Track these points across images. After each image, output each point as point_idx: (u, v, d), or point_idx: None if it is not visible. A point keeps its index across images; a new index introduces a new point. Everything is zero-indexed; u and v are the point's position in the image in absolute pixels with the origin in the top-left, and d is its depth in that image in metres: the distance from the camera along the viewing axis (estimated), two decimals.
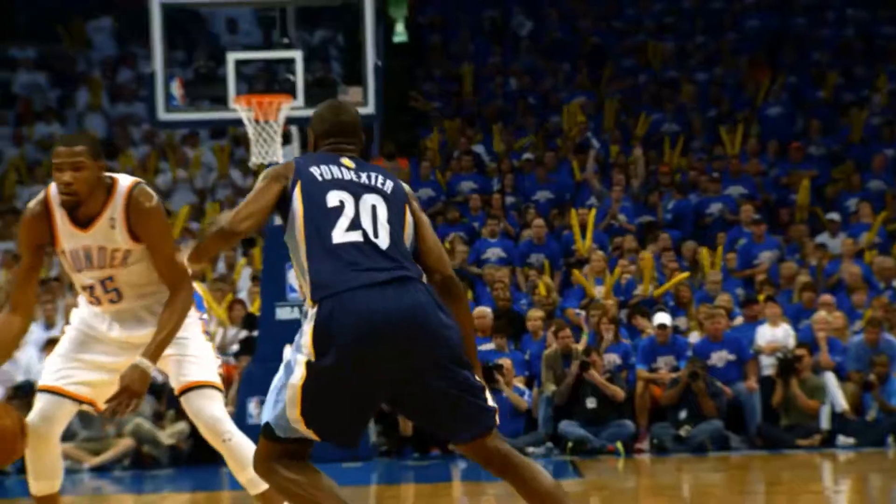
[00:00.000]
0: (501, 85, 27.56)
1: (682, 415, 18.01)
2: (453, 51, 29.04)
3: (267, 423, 6.51)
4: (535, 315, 19.14)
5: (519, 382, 18.26)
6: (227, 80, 17.42)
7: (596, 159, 24.00)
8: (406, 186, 6.76)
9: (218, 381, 7.79)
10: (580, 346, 18.27)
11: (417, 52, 29.58)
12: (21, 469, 17.10)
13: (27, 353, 18.81)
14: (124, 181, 7.48)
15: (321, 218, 6.46)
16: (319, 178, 6.54)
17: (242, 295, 20.46)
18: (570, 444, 17.73)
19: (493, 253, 21.48)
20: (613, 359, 18.39)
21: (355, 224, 6.45)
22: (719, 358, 18.46)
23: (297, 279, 6.73)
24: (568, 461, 16.97)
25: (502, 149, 25.07)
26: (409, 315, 6.30)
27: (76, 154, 7.31)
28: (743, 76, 27.27)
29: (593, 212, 21.78)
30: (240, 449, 7.71)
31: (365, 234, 6.41)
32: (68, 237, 7.47)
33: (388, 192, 6.63)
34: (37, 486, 7.67)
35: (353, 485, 15.56)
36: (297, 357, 6.39)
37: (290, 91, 17.25)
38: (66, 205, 7.38)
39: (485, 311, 19.09)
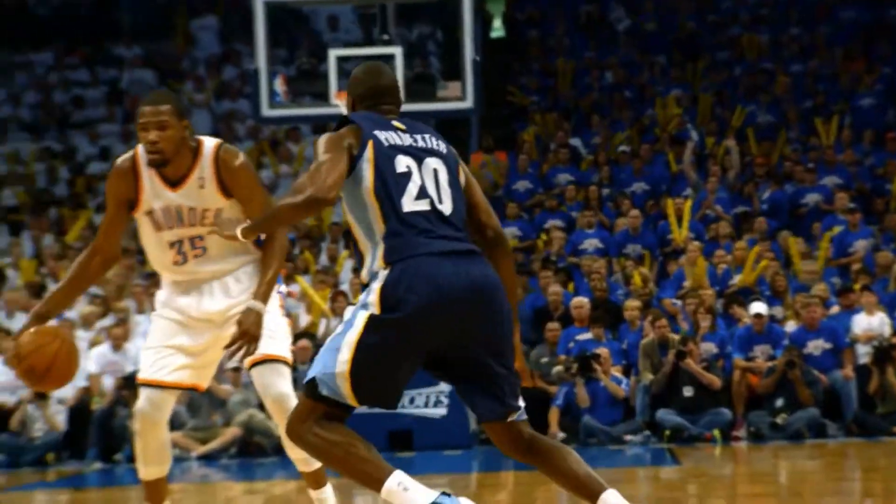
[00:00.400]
0: (598, 79, 27.54)
1: (779, 403, 17.92)
2: (550, 45, 29.03)
3: (311, 380, 6.40)
4: (632, 305, 19.11)
5: (616, 371, 18.24)
6: (329, 77, 17.50)
7: (692, 151, 23.95)
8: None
9: (289, 357, 7.67)
10: (677, 336, 18.24)
11: (515, 47, 29.61)
12: (130, 458, 17.28)
13: (136, 344, 18.96)
14: (209, 142, 7.52)
15: (392, 184, 6.40)
16: (386, 144, 6.49)
17: (345, 287, 20.54)
18: (667, 432, 17.71)
19: (590, 244, 21.47)
20: (710, 347, 18.34)
21: (423, 192, 6.42)
22: (815, 346, 18.37)
23: (360, 239, 6.47)
24: (665, 449, 16.94)
25: (599, 141, 25.07)
26: (476, 288, 6.32)
27: (161, 113, 7.33)
28: (837, 67, 27.09)
29: (689, 202, 21.75)
30: None
31: (432, 203, 6.41)
32: (157, 196, 7.48)
33: (445, 153, 6.64)
34: (146, 471, 7.72)
35: (454, 472, 15.59)
36: (360, 313, 6.35)
37: None
38: (152, 163, 7.39)
39: (582, 301, 19.10)
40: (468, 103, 17.94)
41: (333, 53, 17.81)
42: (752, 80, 26.90)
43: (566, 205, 22.81)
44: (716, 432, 17.70)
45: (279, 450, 17.85)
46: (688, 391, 17.83)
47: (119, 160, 7.55)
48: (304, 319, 20.07)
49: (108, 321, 19.30)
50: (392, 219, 6.37)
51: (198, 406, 18.04)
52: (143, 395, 7.64)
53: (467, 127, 26.09)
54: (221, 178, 7.46)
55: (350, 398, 6.35)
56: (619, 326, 19.14)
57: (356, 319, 6.36)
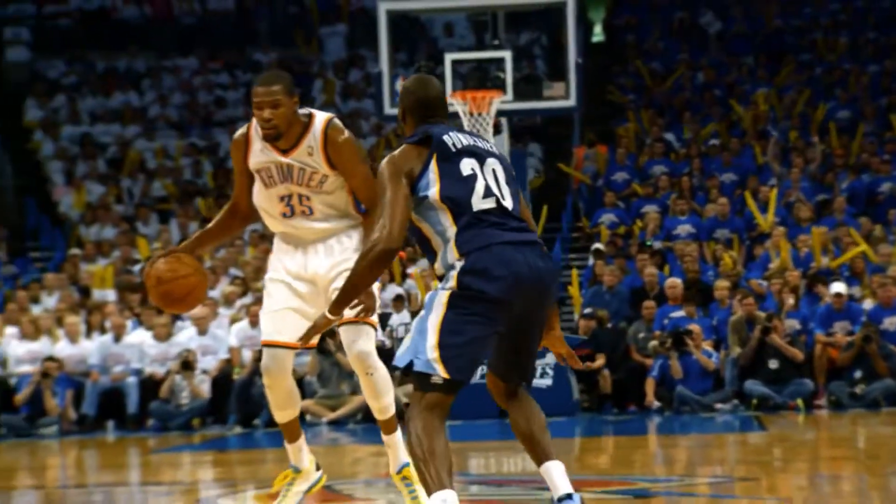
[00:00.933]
0: (690, 79, 27.39)
1: (857, 374, 17.78)
2: (646, 49, 28.88)
3: (409, 365, 6.39)
4: (721, 285, 19.04)
5: (707, 346, 18.16)
6: (445, 78, 17.51)
7: (776, 144, 23.82)
8: None
9: (375, 320, 7.60)
10: (763, 314, 18.14)
11: (614, 50, 29.51)
12: (267, 423, 17.40)
13: None
14: (320, 116, 7.60)
15: (460, 187, 6.43)
16: (452, 148, 6.51)
17: None
18: (754, 401, 17.61)
19: (683, 229, 21.40)
20: (793, 324, 18.24)
21: (489, 191, 6.44)
22: (891, 323, 18.20)
23: (431, 238, 6.48)
24: (753, 416, 16.84)
25: (690, 136, 24.97)
26: (542, 276, 6.40)
27: (273, 93, 7.41)
28: None
29: (774, 191, 21.64)
30: (380, 381, 7.76)
31: (497, 200, 6.44)
32: (268, 157, 7.56)
33: (501, 154, 6.71)
34: (280, 415, 8.05)
35: (558, 437, 15.55)
36: (441, 294, 6.38)
37: (501, 87, 17.30)
38: (266, 138, 7.48)
39: (676, 281, 19.06)
40: (571, 102, 17.92)
41: (449, 57, 17.84)
42: (832, 79, 26.66)
43: (660, 193, 22.74)
44: (799, 401, 17.59)
45: (401, 416, 17.93)
46: (773, 363, 17.74)
47: (236, 133, 7.74)
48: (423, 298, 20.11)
49: (247, 300, 19.42)
50: (463, 217, 6.39)
51: (328, 377, 18.10)
52: (266, 354, 7.72)
53: (570, 123, 26.05)
54: (327, 150, 7.53)
55: (441, 370, 6.34)
56: (709, 305, 19.05)
57: (436, 301, 6.39)
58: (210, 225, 7.87)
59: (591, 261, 20.95)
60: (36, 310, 19.72)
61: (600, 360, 18.34)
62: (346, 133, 7.60)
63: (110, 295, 20.18)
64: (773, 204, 21.28)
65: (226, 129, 27.50)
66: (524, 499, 9.70)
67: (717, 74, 27.41)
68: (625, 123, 25.78)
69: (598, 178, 24.09)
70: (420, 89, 6.87)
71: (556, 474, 6.80)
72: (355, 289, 6.53)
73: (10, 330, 18.97)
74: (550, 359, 17.61)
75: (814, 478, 10.65)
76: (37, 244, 25.06)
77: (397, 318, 19.42)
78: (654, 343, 18.28)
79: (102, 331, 19.20)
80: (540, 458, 6.88)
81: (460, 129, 6.70)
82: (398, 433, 7.97)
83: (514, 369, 6.78)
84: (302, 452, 8.10)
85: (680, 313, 18.54)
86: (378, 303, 7.51)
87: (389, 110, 18.02)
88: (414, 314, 19.28)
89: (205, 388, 18.42)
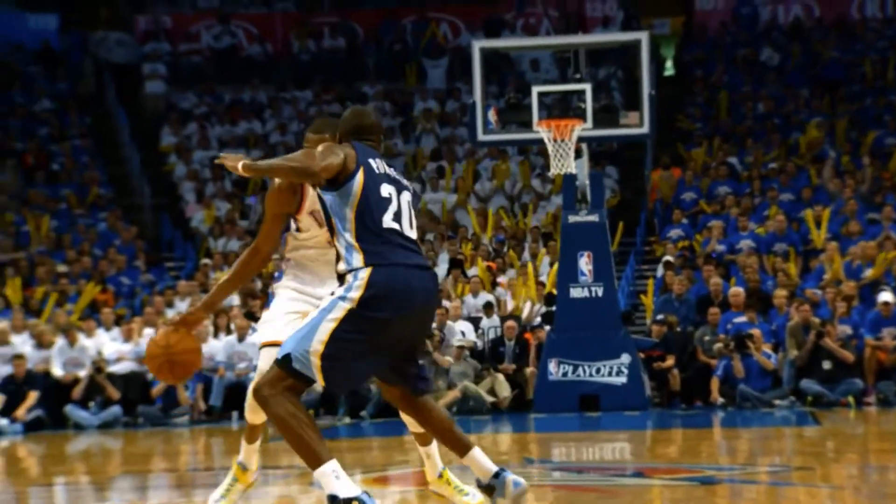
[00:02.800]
0: (752, 109, 27.20)
1: None
2: (712, 81, 28.72)
3: (287, 354, 6.41)
4: (780, 294, 18.95)
5: (767, 348, 18.04)
6: (532, 108, 17.50)
7: (830, 167, 23.64)
8: None
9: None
10: (818, 320, 18.02)
11: (683, 83, 29.39)
12: (373, 414, 17.44)
13: None
14: None
15: (375, 204, 6.50)
16: (376, 171, 6.60)
17: (543, 278, 20.55)
18: (809, 399, 17.49)
19: (745, 244, 21.26)
20: (845, 329, 18.11)
21: (398, 216, 6.54)
22: None
23: (339, 236, 6.56)
24: (808, 412, 16.69)
25: (752, 160, 24.81)
26: (431, 300, 6.59)
27: (323, 141, 6.96)
28: None
29: (827, 210, 21.48)
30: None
31: (402, 225, 6.54)
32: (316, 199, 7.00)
33: (412, 189, 6.83)
34: (255, 417, 7.50)
35: (632, 429, 15.48)
36: (340, 304, 6.37)
37: (581, 116, 17.26)
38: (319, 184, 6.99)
39: (738, 290, 18.99)
40: (645, 129, 17.84)
41: (535, 89, 17.81)
42: (880, 108, 26.39)
43: (725, 211, 22.61)
44: (850, 399, 17.45)
45: (490, 410, 17.91)
46: (826, 364, 17.63)
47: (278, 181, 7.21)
48: (511, 304, 20.12)
49: None
50: (373, 230, 6.47)
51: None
52: (267, 355, 7.22)
53: (643, 148, 25.97)
54: None
55: (319, 377, 6.40)
56: (769, 311, 18.94)
57: (335, 309, 6.39)
58: (232, 274, 7.26)
59: (661, 271, 20.86)
60: (170, 313, 19.90)
61: (670, 361, 18.28)
62: None
63: (235, 300, 20.32)
64: (825, 221, 21.15)
65: None
66: (602, 484, 9.64)
67: (775, 105, 27.20)
68: (693, 148, 25.66)
69: (668, 198, 24.02)
70: (356, 118, 6.92)
71: (481, 458, 6.77)
72: (266, 170, 6.60)
73: (148, 331, 19.14)
74: (625, 359, 17.59)
75: (863, 468, 10.54)
76: (171, 255, 25.29)
77: (487, 322, 19.41)
78: (718, 345, 18.19)
79: (228, 331, 19.35)
80: (461, 449, 6.78)
81: (382, 157, 6.80)
82: (434, 445, 7.47)
83: (406, 379, 6.73)
84: (256, 454, 7.65)
85: (742, 319, 18.45)
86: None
87: (482, 137, 18.06)
88: (503, 319, 19.27)
89: (317, 384, 18.48)
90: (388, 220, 6.54)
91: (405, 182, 6.81)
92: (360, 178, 6.54)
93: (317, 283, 7.25)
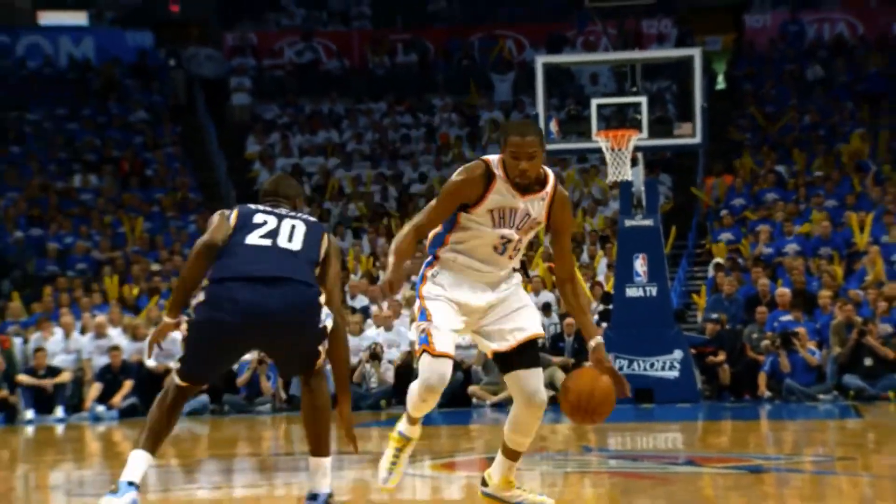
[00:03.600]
0: (798, 120, 26.99)
1: None
2: (761, 95, 28.52)
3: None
4: (824, 294, 18.81)
5: (811, 345, 17.91)
6: (591, 119, 17.47)
7: (872, 176, 23.45)
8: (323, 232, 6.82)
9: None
10: (860, 319, 17.89)
11: (734, 96, 29.20)
12: (442, 404, 17.48)
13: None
14: (551, 172, 6.81)
15: (245, 227, 6.57)
16: (252, 208, 6.71)
17: (600, 278, 20.50)
18: (851, 393, 17.34)
19: (791, 247, 21.10)
20: (886, 328, 17.97)
21: (271, 234, 6.56)
22: None
23: None
24: (851, 406, 16.56)
25: (798, 169, 24.64)
26: (271, 310, 6.40)
27: (530, 144, 6.56)
28: None
29: (871, 215, 21.30)
30: (538, 422, 7.31)
31: (275, 241, 6.53)
32: (508, 200, 6.65)
33: (310, 222, 6.75)
34: (422, 410, 7.49)
35: (684, 420, 15.41)
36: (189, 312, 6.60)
37: (637, 126, 17.22)
38: (519, 187, 6.63)
39: (785, 290, 18.89)
40: (697, 139, 17.77)
41: (594, 102, 17.79)
42: None
43: (772, 216, 22.46)
44: (891, 393, 17.32)
45: (551, 402, 17.86)
46: (868, 361, 17.50)
47: (471, 168, 6.70)
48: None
49: None
50: (229, 250, 6.51)
51: (490, 367, 18.12)
52: (441, 365, 6.93)
53: (695, 157, 25.83)
54: (554, 201, 6.73)
55: (179, 380, 6.61)
56: (813, 311, 18.79)
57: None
58: (403, 253, 6.63)
59: (712, 273, 20.74)
60: None
61: (721, 356, 18.17)
62: (567, 193, 6.93)
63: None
64: (868, 226, 20.96)
65: (408, 162, 27.73)
66: (657, 472, 9.61)
67: (821, 117, 26.99)
68: (742, 158, 25.52)
69: (719, 202, 23.91)
70: (271, 185, 7.02)
71: (322, 471, 6.85)
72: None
73: None
74: (678, 354, 17.52)
75: None
76: None
77: (546, 320, 19.36)
78: (766, 342, 18.08)
79: None
80: (312, 448, 6.83)
81: (278, 207, 6.82)
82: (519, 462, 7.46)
83: (285, 368, 6.94)
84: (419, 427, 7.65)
85: (788, 317, 18.34)
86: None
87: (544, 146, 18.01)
88: (562, 317, 19.22)
89: (389, 375, 18.54)
90: (252, 239, 6.56)
91: (295, 218, 6.74)
92: (233, 215, 6.67)
93: (466, 289, 6.87)
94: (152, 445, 6.52)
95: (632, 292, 17.73)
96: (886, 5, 31.49)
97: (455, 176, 6.68)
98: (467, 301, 6.79)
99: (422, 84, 30.90)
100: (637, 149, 17.29)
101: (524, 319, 6.86)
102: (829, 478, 9.14)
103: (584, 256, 21.72)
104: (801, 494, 8.25)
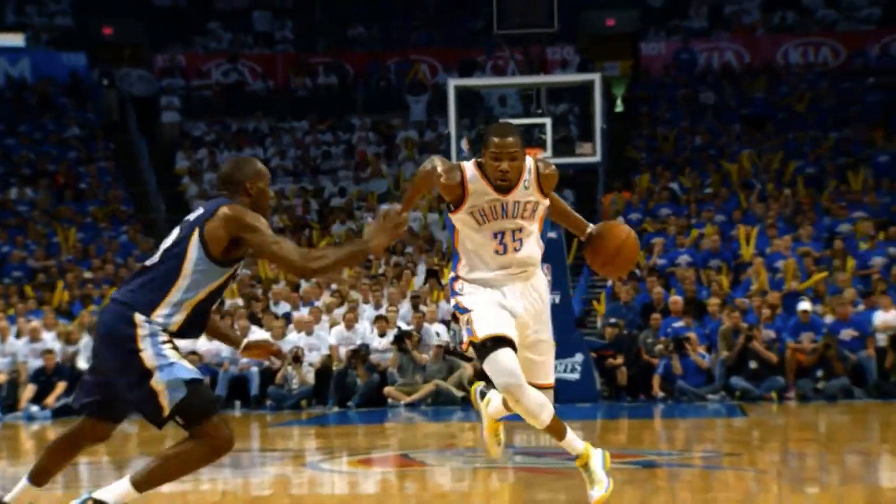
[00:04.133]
0: (690, 141, 27.27)
1: (819, 373, 17.66)
2: (656, 117, 28.79)
3: None
4: (713, 302, 18.96)
5: (701, 349, 18.06)
6: None
7: (757, 193, 23.74)
8: (222, 212, 5.94)
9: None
10: (746, 325, 18.06)
11: (631, 118, 29.44)
12: (359, 404, 17.40)
13: (363, 325, 19.06)
14: (528, 157, 6.52)
15: None
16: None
17: None
18: (738, 394, 17.52)
19: (683, 259, 21.27)
20: (769, 333, 18.15)
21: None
22: (847, 334, 18.08)
23: None
24: (737, 405, 16.73)
25: (690, 186, 24.87)
26: (98, 330, 6.01)
27: (511, 145, 6.33)
28: (864, 134, 26.54)
29: (755, 229, 21.54)
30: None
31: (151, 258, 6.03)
32: (484, 196, 6.37)
33: (186, 223, 6.04)
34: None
35: (584, 419, 15.49)
36: None
37: (542, 146, 17.29)
38: (500, 189, 6.34)
39: (677, 298, 19.02)
40: (597, 158, 17.87)
41: (502, 122, 17.83)
42: (801, 142, 26.49)
43: (667, 230, 22.64)
44: (773, 394, 17.50)
45: (461, 402, 17.88)
46: (753, 364, 17.66)
47: (445, 171, 6.38)
48: None
49: (342, 309, 19.45)
50: None
51: (405, 369, 18.10)
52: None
53: (597, 174, 26.01)
54: (540, 180, 6.45)
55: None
56: (703, 317, 18.95)
57: None
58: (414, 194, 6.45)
59: (611, 282, 20.88)
60: None
61: (619, 360, 18.29)
62: (553, 167, 6.64)
63: (239, 302, 20.26)
64: (753, 239, 21.20)
65: (329, 177, 27.68)
66: (558, 467, 9.64)
67: (711, 138, 27.28)
68: (639, 175, 25.71)
69: (618, 216, 24.04)
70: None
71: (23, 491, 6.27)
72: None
73: None
74: (579, 357, 17.61)
75: (784, 454, 10.56)
76: None
77: (456, 327, 19.32)
78: (659, 347, 18.21)
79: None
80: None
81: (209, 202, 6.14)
82: (569, 435, 6.88)
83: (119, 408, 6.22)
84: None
85: (680, 323, 18.47)
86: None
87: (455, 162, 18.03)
88: None
89: (310, 377, 18.46)
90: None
91: (187, 219, 6.05)
92: None
93: (497, 292, 6.54)
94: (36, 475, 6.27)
95: None
96: (770, 36, 31.95)
97: (427, 164, 6.44)
98: (502, 301, 6.46)
99: (341, 104, 30.84)
100: None
101: (549, 365, 6.72)
102: (717, 472, 9.22)
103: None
104: (692, 487, 8.31)
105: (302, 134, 29.58)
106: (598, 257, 6.71)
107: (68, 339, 19.04)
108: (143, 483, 5.92)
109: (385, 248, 5.91)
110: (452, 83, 18.27)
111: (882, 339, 18.02)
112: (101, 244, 24.35)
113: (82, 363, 18.82)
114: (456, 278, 6.59)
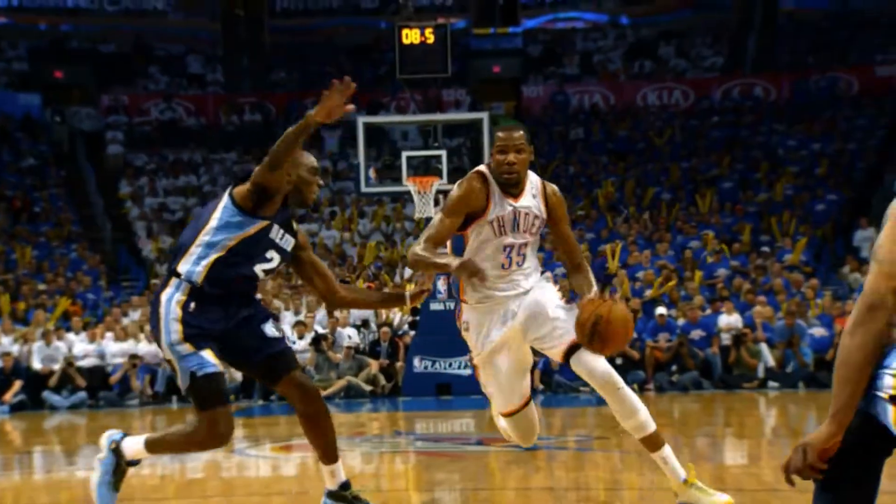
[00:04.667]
0: (564, 171, 27.46)
1: (673, 368, 17.84)
2: (536, 150, 28.77)
3: None
4: None
5: None
6: (402, 168, 17.50)
7: (623, 215, 23.96)
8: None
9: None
10: None
11: None
12: (282, 397, 17.23)
13: (285, 330, 18.84)
14: (533, 174, 5.80)
15: None
16: None
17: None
18: None
19: (559, 271, 21.34)
20: (633, 336, 18.24)
21: None
22: (696, 334, 18.27)
23: None
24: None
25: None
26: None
27: (517, 139, 5.57)
28: (710, 162, 26.95)
29: (620, 245, 21.73)
30: (629, 398, 5.70)
31: None
32: (503, 205, 5.51)
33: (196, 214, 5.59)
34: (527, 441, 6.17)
35: (476, 409, 15.49)
36: None
37: (439, 174, 17.30)
38: (508, 181, 5.53)
39: None
40: None
41: (404, 154, 17.81)
42: (658, 172, 26.83)
43: (544, 246, 22.73)
44: (635, 386, 17.57)
45: (369, 395, 17.79)
46: (618, 360, 17.75)
47: (470, 178, 5.55)
48: (384, 315, 20.01)
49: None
50: None
51: (321, 367, 17.97)
52: (517, 421, 6.03)
53: None
54: (546, 193, 5.70)
55: None
56: None
57: None
58: (430, 253, 5.48)
59: None
60: (125, 321, 19.52)
61: None
62: (558, 191, 5.82)
63: None
64: (618, 254, 21.37)
65: None
66: (453, 451, 9.63)
67: (582, 168, 27.51)
68: None
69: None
70: None
71: None
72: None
73: (108, 334, 18.79)
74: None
75: None
76: (127, 277, 24.85)
77: (365, 331, 19.24)
78: None
79: None
80: None
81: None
82: (665, 448, 5.74)
83: None
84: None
85: None
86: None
87: (364, 189, 18.02)
88: (379, 326, 19.15)
89: (238, 375, 18.25)
90: None
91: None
92: None
93: (496, 318, 5.84)
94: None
95: (434, 306, 17.76)
96: (631, 81, 32.37)
97: (456, 188, 5.54)
98: (498, 337, 5.74)
99: (265, 138, 30.56)
100: (439, 191, 17.37)
101: (563, 322, 5.62)
102: (588, 454, 9.28)
103: (397, 277, 21.71)
104: (566, 467, 8.35)
105: (231, 164, 29.28)
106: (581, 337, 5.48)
107: (24, 341, 18.64)
108: (152, 446, 5.75)
109: (328, 118, 5.22)
110: (361, 120, 18.25)
111: (726, 339, 18.24)
112: (53, 260, 23.89)
113: (36, 364, 18.45)
114: (459, 305, 5.89)
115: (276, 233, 5.47)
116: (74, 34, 34.46)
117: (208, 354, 5.38)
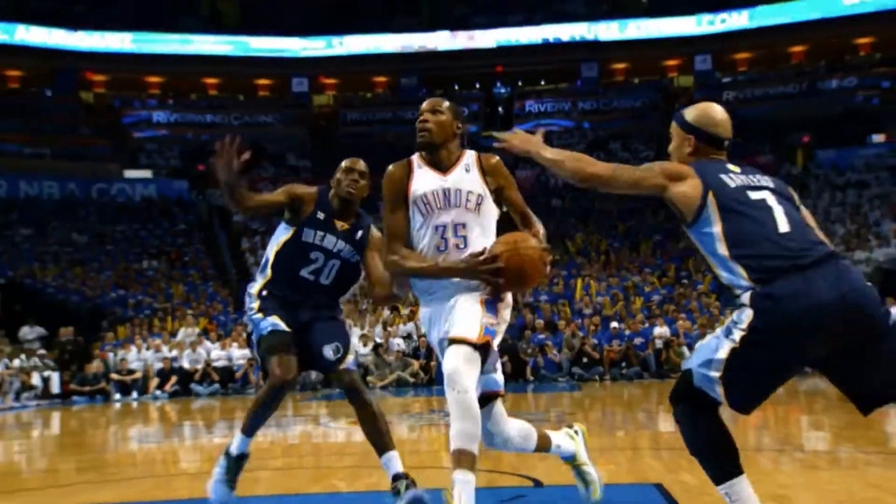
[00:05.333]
0: (546, 229, 27.22)
1: (623, 365, 17.70)
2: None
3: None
4: (561, 323, 18.86)
5: (555, 351, 17.94)
6: None
7: (588, 262, 23.75)
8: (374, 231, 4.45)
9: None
10: (581, 335, 18.01)
11: None
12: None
13: (354, 340, 18.74)
14: (470, 151, 4.04)
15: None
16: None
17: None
18: (576, 377, 17.44)
19: (543, 298, 21.12)
20: (593, 341, 18.08)
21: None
22: (638, 341, 18.03)
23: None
24: (576, 384, 16.60)
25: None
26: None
27: (438, 103, 3.95)
28: (647, 222, 26.83)
29: (585, 279, 21.56)
30: (454, 405, 3.87)
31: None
32: (428, 180, 3.90)
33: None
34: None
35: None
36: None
37: None
38: (420, 145, 3.93)
39: (540, 321, 18.85)
40: None
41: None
42: (610, 228, 26.72)
43: None
44: (596, 377, 17.48)
45: (412, 385, 17.66)
46: (585, 360, 17.67)
47: (393, 164, 3.99)
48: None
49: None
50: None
51: (379, 366, 17.88)
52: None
53: None
54: (483, 166, 3.96)
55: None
56: (556, 332, 18.89)
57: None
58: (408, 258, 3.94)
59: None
60: (245, 334, 19.51)
61: (504, 358, 18.13)
62: (495, 156, 4.03)
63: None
64: (582, 285, 21.19)
65: None
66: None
67: (557, 227, 27.41)
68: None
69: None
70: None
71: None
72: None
73: (234, 344, 18.79)
74: None
75: (603, 414, 10.53)
76: None
77: (410, 341, 19.17)
78: (530, 350, 18.13)
79: None
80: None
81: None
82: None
83: None
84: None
85: (542, 336, 18.40)
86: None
87: None
88: (419, 336, 19.02)
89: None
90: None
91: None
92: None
93: (443, 318, 3.99)
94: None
95: None
96: None
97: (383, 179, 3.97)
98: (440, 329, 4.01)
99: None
100: None
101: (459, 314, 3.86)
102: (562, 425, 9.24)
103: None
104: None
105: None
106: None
107: (179, 348, 18.77)
108: (245, 428, 4.47)
109: (226, 175, 4.14)
110: None
111: (659, 344, 18.06)
112: (197, 293, 24.02)
113: (186, 364, 18.54)
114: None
115: (311, 236, 4.47)
116: (211, 140, 34.84)
117: (275, 318, 4.43)
